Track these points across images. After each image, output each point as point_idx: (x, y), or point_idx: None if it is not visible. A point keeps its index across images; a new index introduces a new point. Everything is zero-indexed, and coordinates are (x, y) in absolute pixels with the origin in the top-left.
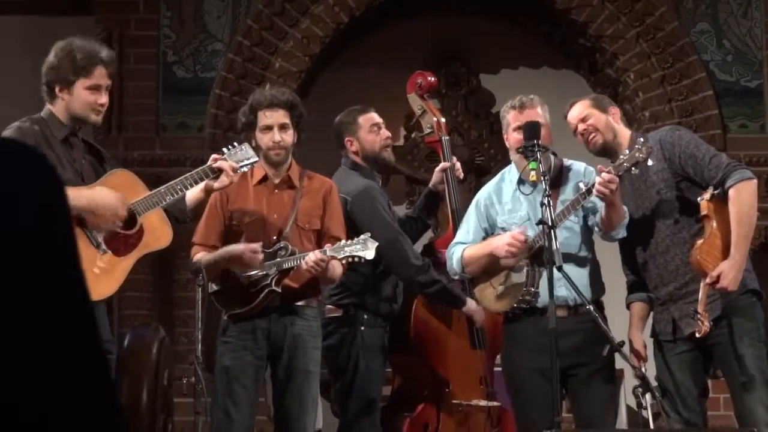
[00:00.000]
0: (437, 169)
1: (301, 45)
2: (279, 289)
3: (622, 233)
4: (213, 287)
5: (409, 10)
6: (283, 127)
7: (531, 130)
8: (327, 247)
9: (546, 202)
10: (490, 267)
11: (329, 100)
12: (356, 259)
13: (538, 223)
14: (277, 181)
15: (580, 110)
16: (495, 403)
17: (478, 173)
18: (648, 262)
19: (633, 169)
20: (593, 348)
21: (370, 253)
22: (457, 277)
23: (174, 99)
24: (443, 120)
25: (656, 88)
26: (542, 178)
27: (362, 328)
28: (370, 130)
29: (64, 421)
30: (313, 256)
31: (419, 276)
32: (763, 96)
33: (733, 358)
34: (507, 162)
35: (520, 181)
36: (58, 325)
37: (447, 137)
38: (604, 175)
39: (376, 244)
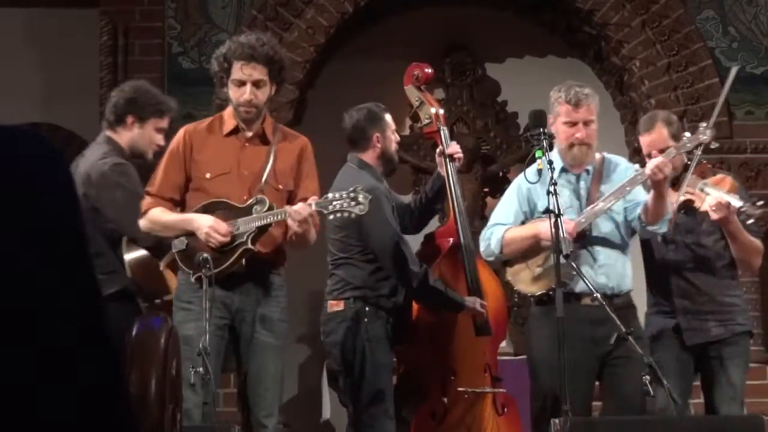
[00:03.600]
0: (437, 153)
1: (306, 35)
2: (255, 248)
3: (663, 228)
4: (177, 245)
5: None
6: (257, 84)
7: (537, 117)
8: (312, 200)
9: (552, 190)
10: (529, 249)
11: (335, 90)
12: (344, 215)
13: (544, 212)
14: (249, 134)
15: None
16: (501, 390)
17: (484, 162)
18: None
19: (696, 151)
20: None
21: (360, 208)
22: (491, 259)
23: (179, 90)
24: (441, 111)
25: (662, 76)
26: (548, 166)
27: (365, 320)
28: (393, 130)
29: (76, 415)
30: (301, 210)
31: (415, 282)
32: None
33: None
34: (512, 151)
35: (564, 170)
36: (66, 317)
37: (445, 127)
38: (658, 159)
39: (369, 197)
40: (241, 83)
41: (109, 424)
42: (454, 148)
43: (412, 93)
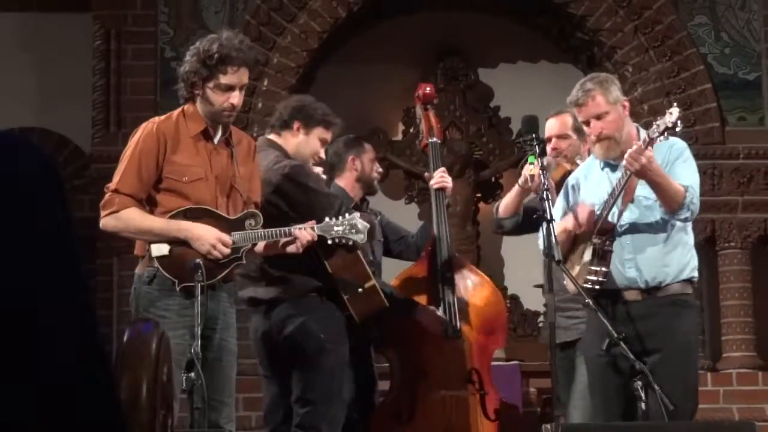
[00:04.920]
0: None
1: (299, 40)
2: (245, 261)
3: (683, 214)
4: (159, 250)
5: (406, 4)
6: (242, 89)
7: (529, 123)
8: (310, 224)
9: (545, 196)
10: (570, 246)
11: (328, 95)
12: (344, 241)
13: (536, 217)
14: (217, 139)
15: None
16: (491, 393)
17: (477, 167)
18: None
19: (662, 137)
20: (667, 333)
21: (360, 237)
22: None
23: (172, 95)
24: (436, 127)
25: (654, 81)
26: (542, 172)
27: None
28: (373, 159)
29: (65, 419)
30: (306, 235)
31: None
32: (761, 88)
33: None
34: (505, 156)
35: (607, 164)
36: (56, 321)
37: (437, 141)
38: (632, 150)
39: (367, 226)
40: (230, 88)
41: (98, 427)
42: (439, 179)
43: (417, 112)
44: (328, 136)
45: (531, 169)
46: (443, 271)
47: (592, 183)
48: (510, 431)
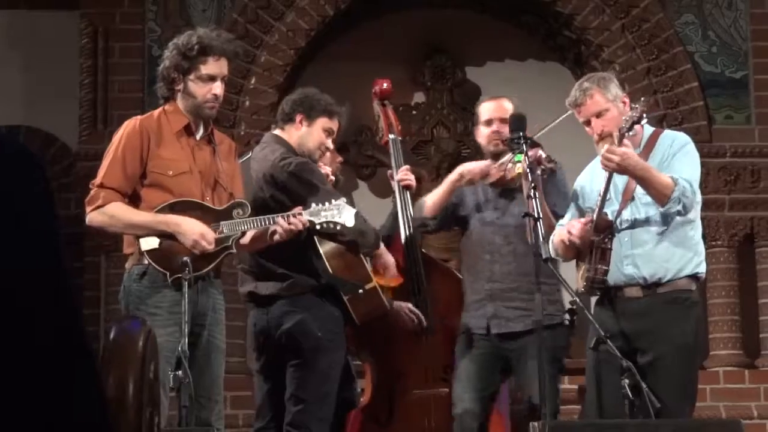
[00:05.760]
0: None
1: (286, 38)
2: (235, 251)
3: (675, 207)
4: (149, 244)
5: (394, 3)
6: (223, 79)
7: (516, 122)
8: (298, 209)
9: (532, 195)
10: (575, 253)
11: None
12: (332, 226)
13: (523, 216)
14: (199, 134)
15: None
16: None
17: None
18: None
19: (630, 132)
20: (666, 331)
21: (349, 220)
22: (561, 260)
23: None
24: (395, 124)
25: (641, 80)
26: (527, 171)
27: None
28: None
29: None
30: (294, 221)
31: None
32: (748, 87)
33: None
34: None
35: None
36: (43, 321)
37: (396, 137)
38: (604, 149)
39: (355, 210)
40: (211, 78)
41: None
42: (402, 175)
43: (375, 108)
44: (332, 125)
45: (518, 167)
46: (412, 269)
47: (597, 183)
48: (500, 426)
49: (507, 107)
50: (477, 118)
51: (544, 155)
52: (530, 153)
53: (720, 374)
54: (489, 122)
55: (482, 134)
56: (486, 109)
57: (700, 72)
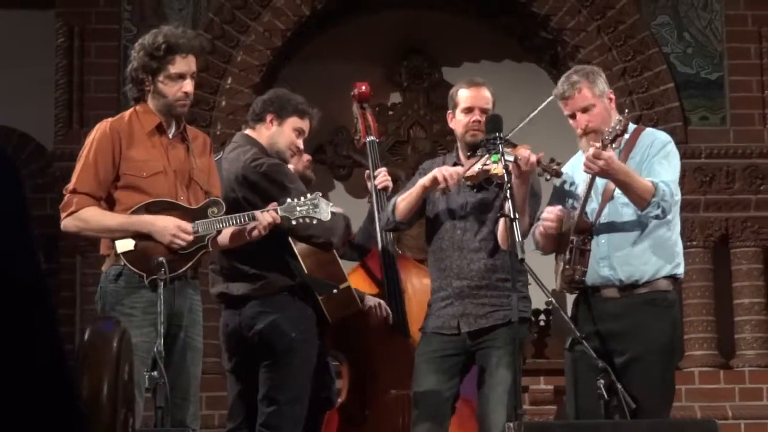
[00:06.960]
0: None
1: (263, 38)
2: (211, 249)
3: (654, 211)
4: (125, 246)
5: (371, 3)
6: (193, 76)
7: (492, 122)
8: (272, 206)
9: (508, 195)
10: (557, 245)
11: None
12: (308, 221)
13: (499, 216)
14: (171, 133)
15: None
16: None
17: None
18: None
19: (612, 144)
20: (642, 332)
21: (324, 214)
22: (541, 253)
23: None
24: (373, 127)
25: (617, 81)
26: (505, 171)
27: None
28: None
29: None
30: (268, 217)
31: None
32: (723, 88)
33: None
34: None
35: None
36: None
37: (374, 139)
38: (589, 153)
39: (330, 204)
40: (180, 76)
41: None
42: (382, 178)
43: (353, 110)
44: (303, 125)
45: (495, 167)
46: (388, 270)
47: (579, 179)
48: (468, 427)
49: (488, 96)
50: (453, 104)
51: (539, 158)
52: (523, 155)
53: (695, 374)
54: (469, 110)
55: (460, 122)
56: (465, 96)
57: (675, 73)
